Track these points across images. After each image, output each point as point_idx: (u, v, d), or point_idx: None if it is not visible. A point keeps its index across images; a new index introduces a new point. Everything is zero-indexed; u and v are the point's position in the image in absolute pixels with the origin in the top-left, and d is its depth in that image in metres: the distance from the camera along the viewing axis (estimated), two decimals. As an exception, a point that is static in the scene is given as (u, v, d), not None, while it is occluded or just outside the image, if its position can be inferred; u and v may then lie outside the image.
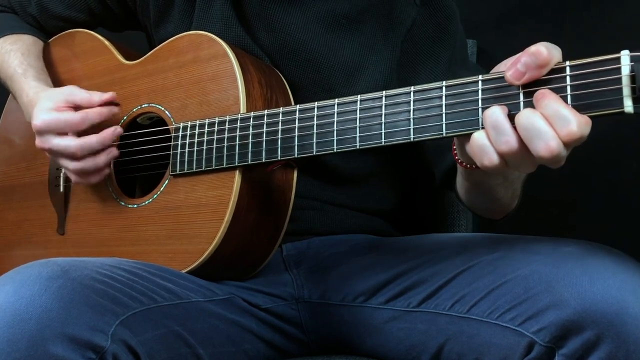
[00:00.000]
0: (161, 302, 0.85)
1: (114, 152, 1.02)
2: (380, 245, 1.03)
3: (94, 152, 1.00)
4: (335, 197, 1.07)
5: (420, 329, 0.90)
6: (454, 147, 0.86)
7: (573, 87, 0.68)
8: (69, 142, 0.99)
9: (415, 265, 0.93)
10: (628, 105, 0.65)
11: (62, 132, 1.00)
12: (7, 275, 0.76)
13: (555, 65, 0.69)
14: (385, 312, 0.93)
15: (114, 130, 1.01)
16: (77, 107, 1.02)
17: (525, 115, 0.68)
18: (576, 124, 0.66)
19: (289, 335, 1.02)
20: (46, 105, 1.02)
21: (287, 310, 1.01)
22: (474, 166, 0.82)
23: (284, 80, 1.03)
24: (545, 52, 0.68)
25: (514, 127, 0.69)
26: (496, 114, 0.70)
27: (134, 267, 0.87)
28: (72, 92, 1.03)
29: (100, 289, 0.78)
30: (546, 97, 0.68)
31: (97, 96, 1.02)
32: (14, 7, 1.22)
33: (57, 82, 1.17)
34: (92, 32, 1.17)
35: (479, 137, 0.71)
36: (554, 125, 0.67)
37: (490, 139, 0.70)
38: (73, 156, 1.00)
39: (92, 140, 1.00)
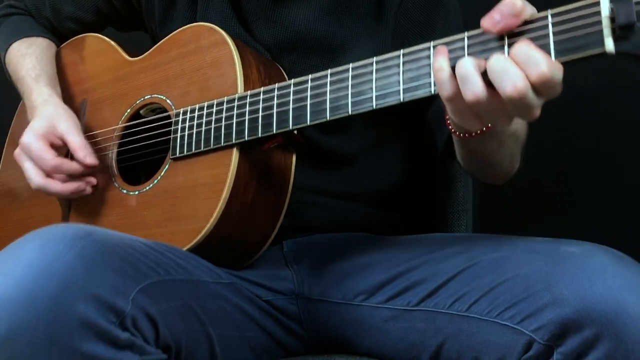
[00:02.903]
0: (175, 276, 0.86)
1: (80, 193, 1.06)
2: (382, 244, 1.03)
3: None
4: (335, 184, 1.08)
5: (419, 327, 0.89)
6: (447, 117, 0.87)
7: (555, 34, 0.69)
8: (34, 177, 1.05)
9: (415, 264, 0.94)
10: (609, 45, 0.66)
11: (35, 162, 1.05)
12: (31, 233, 0.77)
13: (537, 15, 0.71)
14: (385, 312, 0.93)
15: (78, 185, 1.05)
16: (64, 144, 1.06)
17: (495, 59, 0.70)
18: (546, 65, 0.68)
19: (289, 329, 1.01)
20: (43, 125, 1.06)
21: (287, 304, 1.01)
22: (466, 135, 0.84)
23: (284, 74, 1.05)
24: (520, 3, 0.71)
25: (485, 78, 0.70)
26: (466, 65, 0.71)
27: (150, 242, 0.88)
28: (70, 132, 1.06)
29: (121, 254, 0.79)
30: (518, 43, 0.69)
31: (82, 153, 1.04)
32: (30, 9, 1.28)
33: (66, 84, 1.21)
34: (98, 35, 1.22)
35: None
36: (524, 67, 0.68)
37: (461, 89, 0.72)
38: (33, 186, 1.06)
39: (53, 187, 1.04)
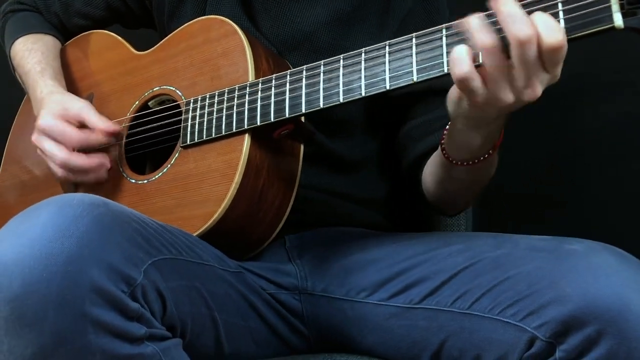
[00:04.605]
0: (186, 258, 0.87)
1: (103, 175, 1.08)
2: (384, 241, 1.04)
3: (82, 170, 1.06)
4: (338, 186, 1.10)
5: (421, 325, 0.90)
6: (442, 142, 0.92)
7: (565, 11, 0.72)
8: (58, 153, 1.05)
9: (418, 262, 0.95)
10: (618, 20, 0.69)
11: (58, 141, 1.05)
12: (48, 199, 0.77)
13: None
14: (387, 309, 0.94)
15: (101, 159, 1.07)
16: (82, 124, 1.07)
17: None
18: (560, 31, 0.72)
19: (291, 325, 1.01)
20: (56, 108, 1.07)
21: (290, 299, 1.02)
22: (459, 163, 0.91)
23: (290, 67, 1.07)
24: None
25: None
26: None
27: (161, 223, 0.89)
28: (84, 109, 1.07)
29: (136, 227, 0.79)
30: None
31: (103, 124, 1.06)
32: (39, 6, 1.30)
33: (72, 80, 1.22)
34: (104, 31, 1.23)
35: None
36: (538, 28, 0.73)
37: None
38: (56, 164, 1.06)
39: (77, 161, 1.05)
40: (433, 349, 0.88)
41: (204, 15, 1.13)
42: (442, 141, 0.93)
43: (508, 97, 0.77)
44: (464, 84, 0.77)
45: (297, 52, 1.09)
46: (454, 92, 0.83)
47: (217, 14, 1.12)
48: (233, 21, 1.10)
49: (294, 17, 1.10)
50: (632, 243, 0.88)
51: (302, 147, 1.03)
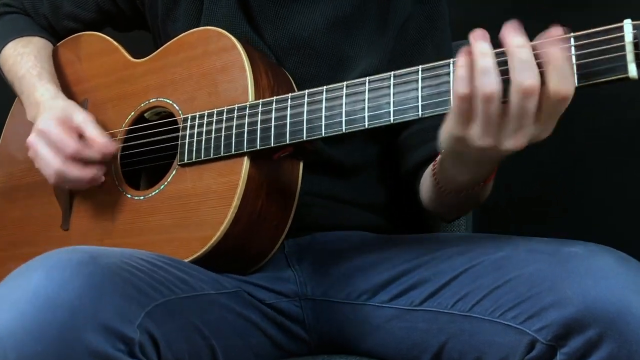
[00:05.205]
0: (179, 294, 0.85)
1: (96, 182, 1.05)
2: (384, 243, 1.04)
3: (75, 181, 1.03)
4: (340, 192, 1.09)
5: (421, 327, 0.90)
6: (434, 168, 0.92)
7: (578, 57, 0.70)
8: (53, 161, 1.02)
9: (418, 264, 0.94)
10: (632, 70, 0.67)
11: (54, 146, 1.02)
12: (36, 261, 0.75)
13: (560, 36, 0.72)
14: (388, 311, 0.94)
15: (96, 171, 1.04)
16: (81, 136, 1.04)
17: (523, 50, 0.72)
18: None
19: (291, 333, 1.01)
20: (59, 114, 1.04)
21: (290, 307, 1.01)
22: (447, 190, 0.92)
23: (290, 78, 1.05)
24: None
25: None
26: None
27: (152, 257, 0.87)
28: (86, 122, 1.04)
29: (126, 277, 0.78)
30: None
31: (102, 141, 1.02)
32: (27, 7, 1.25)
33: (65, 84, 1.18)
34: (99, 34, 1.19)
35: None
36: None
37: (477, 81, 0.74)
38: (50, 171, 1.03)
39: (72, 172, 1.02)
40: (433, 351, 0.89)
41: (200, 17, 1.10)
42: (434, 167, 0.92)
43: (487, 140, 0.75)
44: (461, 104, 0.75)
45: (297, 57, 1.07)
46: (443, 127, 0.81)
47: (213, 16, 1.09)
48: (231, 23, 1.07)
49: (293, 21, 1.08)
50: (632, 245, 0.88)
51: (301, 164, 1.01)
